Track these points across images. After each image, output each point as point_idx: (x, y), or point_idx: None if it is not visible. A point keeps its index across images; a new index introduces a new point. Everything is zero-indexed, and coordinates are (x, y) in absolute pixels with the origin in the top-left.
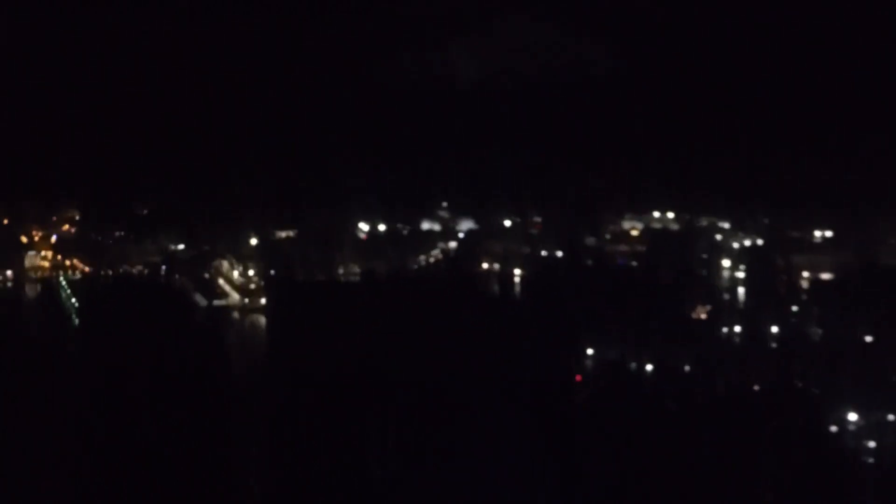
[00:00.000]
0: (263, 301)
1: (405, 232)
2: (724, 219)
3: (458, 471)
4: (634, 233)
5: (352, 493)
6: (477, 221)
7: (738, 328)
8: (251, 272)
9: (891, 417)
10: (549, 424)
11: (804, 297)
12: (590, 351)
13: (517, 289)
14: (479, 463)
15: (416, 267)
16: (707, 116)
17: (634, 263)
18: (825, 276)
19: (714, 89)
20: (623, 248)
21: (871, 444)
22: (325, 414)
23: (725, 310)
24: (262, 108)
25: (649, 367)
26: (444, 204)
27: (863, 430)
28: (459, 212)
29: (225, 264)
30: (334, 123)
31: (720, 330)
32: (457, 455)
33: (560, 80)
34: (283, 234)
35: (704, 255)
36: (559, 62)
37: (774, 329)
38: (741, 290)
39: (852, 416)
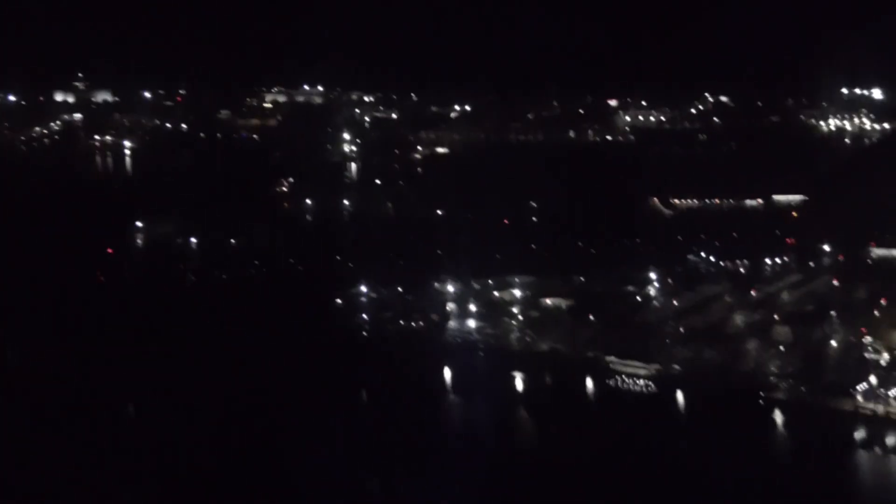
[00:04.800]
0: None
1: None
2: (372, 93)
3: None
4: (268, 106)
5: None
6: (115, 94)
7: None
8: None
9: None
10: None
11: (414, 171)
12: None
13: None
14: None
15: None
16: None
17: (255, 137)
18: (441, 150)
19: None
20: (254, 121)
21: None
22: None
23: (308, 183)
24: None
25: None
26: (81, 75)
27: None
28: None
29: None
30: None
31: (298, 203)
32: None
33: None
34: None
35: (330, 129)
36: None
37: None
38: (355, 164)
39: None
